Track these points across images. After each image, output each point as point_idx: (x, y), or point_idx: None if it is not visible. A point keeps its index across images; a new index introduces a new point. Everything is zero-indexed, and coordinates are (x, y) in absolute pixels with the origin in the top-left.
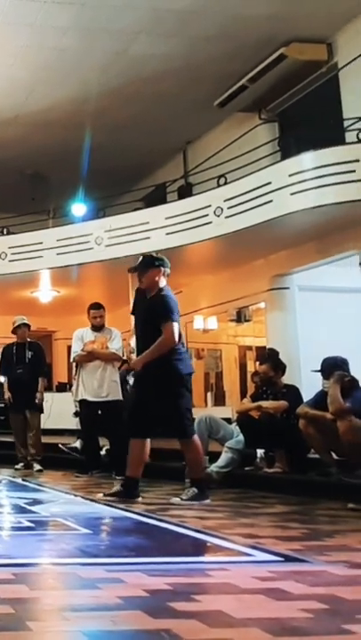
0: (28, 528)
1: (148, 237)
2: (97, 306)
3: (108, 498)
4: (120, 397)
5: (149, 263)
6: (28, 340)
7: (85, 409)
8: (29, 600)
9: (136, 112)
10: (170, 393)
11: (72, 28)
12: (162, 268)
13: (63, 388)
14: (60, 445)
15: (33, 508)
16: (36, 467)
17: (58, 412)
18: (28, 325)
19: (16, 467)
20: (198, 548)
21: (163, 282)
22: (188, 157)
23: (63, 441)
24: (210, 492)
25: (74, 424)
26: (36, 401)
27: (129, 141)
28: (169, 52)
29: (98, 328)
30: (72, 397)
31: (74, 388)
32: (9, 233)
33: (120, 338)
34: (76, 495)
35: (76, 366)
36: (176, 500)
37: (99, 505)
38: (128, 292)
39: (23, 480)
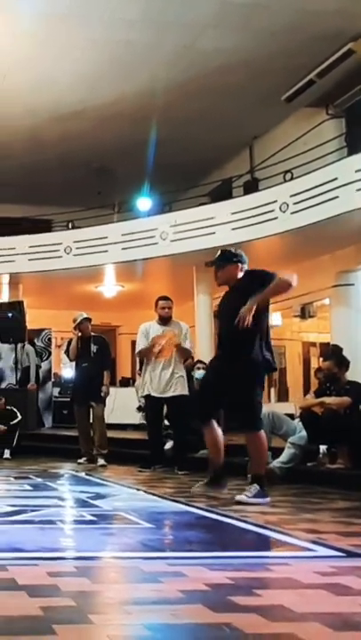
0: (91, 522)
1: (214, 232)
2: (166, 297)
3: (198, 490)
4: (186, 392)
5: (228, 258)
6: (93, 334)
7: (151, 404)
8: (91, 593)
9: (203, 106)
10: (246, 381)
11: (140, 21)
12: (240, 265)
13: (127, 382)
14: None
15: (96, 502)
16: (100, 461)
17: (121, 406)
18: (89, 319)
19: (79, 461)
20: (260, 542)
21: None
22: (254, 152)
23: (126, 436)
24: (273, 488)
25: (137, 419)
26: (102, 394)
27: (195, 136)
28: (236, 46)
29: (165, 321)
30: (136, 393)
31: (137, 382)
32: (74, 227)
33: (190, 334)
34: (138, 490)
35: (141, 361)
36: (242, 497)
37: (161, 499)
38: (193, 287)
39: (86, 474)
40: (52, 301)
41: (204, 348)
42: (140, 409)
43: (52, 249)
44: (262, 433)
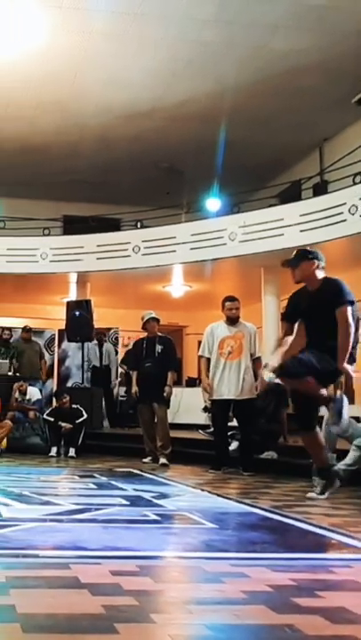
0: (154, 521)
1: (282, 234)
2: (232, 298)
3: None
4: (254, 395)
5: (303, 256)
6: (159, 334)
7: (218, 406)
8: (154, 592)
9: (274, 107)
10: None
11: (213, 20)
12: (316, 261)
13: (193, 382)
14: (199, 431)
15: (159, 502)
16: (162, 460)
17: (187, 406)
18: (157, 319)
19: (143, 460)
20: (323, 544)
21: (320, 274)
22: (324, 154)
23: (191, 436)
24: (337, 490)
25: (202, 419)
26: (164, 394)
27: (265, 137)
28: (308, 48)
29: (233, 321)
30: (202, 394)
31: (203, 384)
32: (143, 226)
33: (257, 336)
34: (202, 490)
35: (207, 362)
36: (312, 494)
37: (225, 500)
38: (260, 288)
39: (150, 473)
40: (120, 300)
41: (272, 350)
42: (205, 409)
43: (120, 248)
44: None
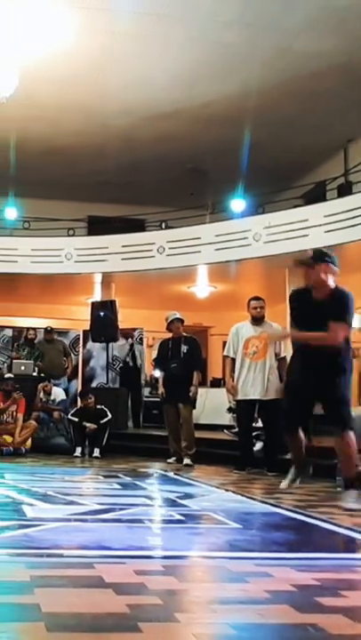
0: (179, 521)
1: (307, 235)
2: (258, 297)
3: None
4: (279, 396)
5: (319, 257)
6: (184, 334)
7: (243, 406)
8: (178, 592)
9: (298, 109)
10: (334, 378)
11: (236, 22)
12: (331, 266)
13: (218, 383)
14: (224, 431)
15: (184, 502)
16: (186, 461)
17: (212, 407)
18: (181, 320)
19: (168, 460)
20: (347, 544)
21: (331, 281)
22: (348, 155)
23: (216, 436)
24: None
25: (227, 419)
26: (190, 394)
27: (290, 138)
28: (332, 50)
29: (258, 321)
30: (227, 394)
31: (227, 384)
32: (167, 227)
33: None
34: (227, 490)
35: (232, 362)
36: (344, 504)
37: (249, 500)
38: (285, 289)
39: (175, 474)
40: (145, 301)
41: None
42: (230, 410)
43: (145, 249)
44: (352, 434)
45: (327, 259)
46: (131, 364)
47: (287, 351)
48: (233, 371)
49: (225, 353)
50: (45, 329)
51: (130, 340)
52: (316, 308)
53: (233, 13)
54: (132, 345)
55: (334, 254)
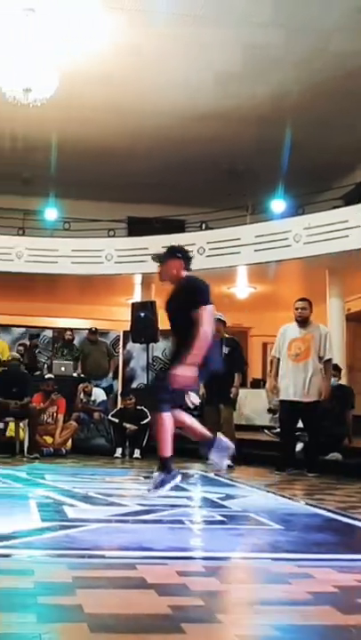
0: (220, 522)
1: (347, 236)
2: (302, 298)
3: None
4: (321, 398)
5: (171, 253)
6: (225, 335)
7: (286, 407)
8: (220, 593)
9: (336, 109)
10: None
11: (272, 24)
12: (183, 261)
13: (257, 384)
14: (265, 432)
15: (225, 503)
16: (227, 462)
17: (252, 408)
18: (222, 321)
19: (208, 461)
20: None
21: (183, 274)
22: None
23: (256, 437)
24: None
25: (267, 420)
26: (231, 395)
27: (329, 138)
28: None
29: (302, 322)
30: (266, 395)
31: (268, 385)
32: (207, 228)
33: (330, 338)
34: (268, 491)
35: (277, 363)
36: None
37: (290, 501)
38: (325, 290)
39: (216, 475)
40: None
41: (336, 353)
42: (270, 410)
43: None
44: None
45: (178, 254)
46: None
47: (332, 353)
48: (278, 371)
49: (272, 353)
50: (90, 330)
51: None
52: (174, 302)
53: (268, 15)
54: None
55: (188, 250)
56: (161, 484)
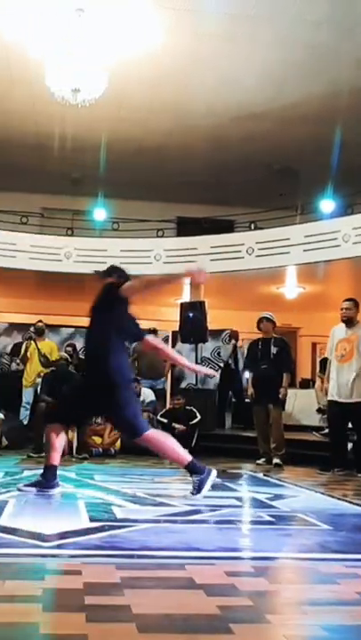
0: (269, 522)
1: None
2: (348, 299)
3: (26, 489)
4: None
5: (107, 273)
6: (274, 335)
7: (334, 408)
8: (268, 593)
9: None
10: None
11: (325, 22)
12: (117, 279)
13: (306, 384)
14: (313, 432)
15: (274, 503)
16: (276, 461)
17: (301, 408)
18: (271, 321)
19: (258, 462)
20: None
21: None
22: None
23: (305, 437)
24: None
25: (316, 420)
26: (280, 396)
27: None
28: None
29: (348, 323)
30: (315, 395)
31: (317, 385)
32: (256, 228)
33: None
34: (317, 491)
35: (323, 364)
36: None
37: (339, 502)
38: None
39: (264, 475)
40: (233, 302)
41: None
42: (319, 411)
43: (234, 249)
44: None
45: (114, 274)
46: (233, 366)
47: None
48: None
49: (326, 354)
50: (149, 330)
51: (233, 341)
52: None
53: (321, 13)
54: (235, 346)
55: (124, 269)
56: (200, 485)
